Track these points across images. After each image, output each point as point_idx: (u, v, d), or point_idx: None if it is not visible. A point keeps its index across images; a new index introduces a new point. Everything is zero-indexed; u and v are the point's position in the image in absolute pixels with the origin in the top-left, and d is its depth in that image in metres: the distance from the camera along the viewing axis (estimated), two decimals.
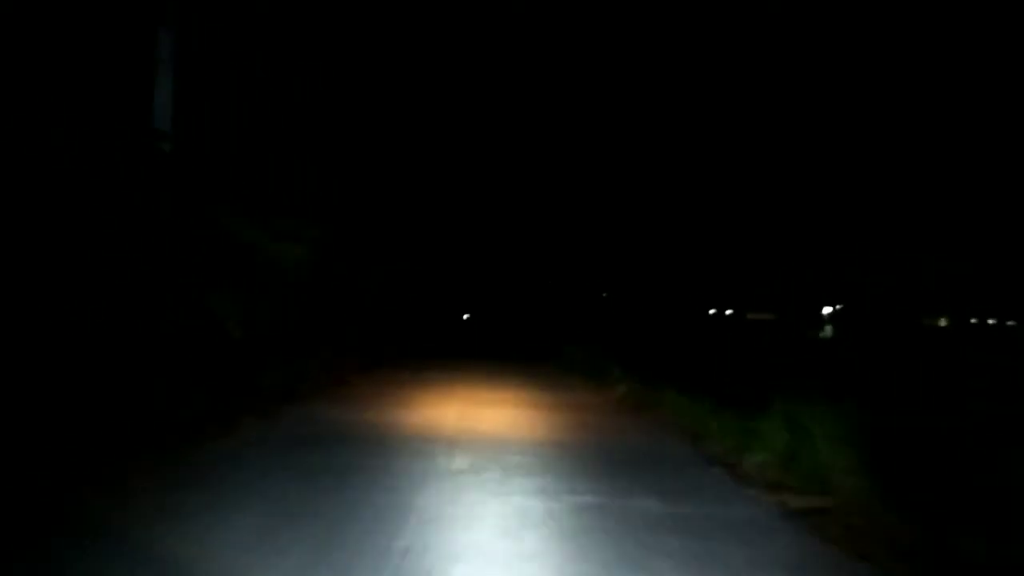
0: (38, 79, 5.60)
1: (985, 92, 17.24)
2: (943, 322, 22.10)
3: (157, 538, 3.35)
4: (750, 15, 18.58)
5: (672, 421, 7.41)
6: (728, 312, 24.53)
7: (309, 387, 8.47)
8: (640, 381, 9.69)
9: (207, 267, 6.63)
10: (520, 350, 18.17)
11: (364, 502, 4.07)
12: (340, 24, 13.20)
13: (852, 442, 4.78)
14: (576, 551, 3.45)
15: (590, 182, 23.46)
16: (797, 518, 4.17)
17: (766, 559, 3.49)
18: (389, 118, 16.50)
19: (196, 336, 6.34)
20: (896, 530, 3.93)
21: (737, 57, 19.50)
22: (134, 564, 3.04)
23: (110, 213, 5.81)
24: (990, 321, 20.91)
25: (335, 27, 13.01)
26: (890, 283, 19.94)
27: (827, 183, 20.03)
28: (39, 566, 3.03)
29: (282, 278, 7.75)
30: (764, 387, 7.95)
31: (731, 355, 13.97)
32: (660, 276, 23.52)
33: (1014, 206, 17.45)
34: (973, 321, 20.79)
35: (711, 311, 24.48)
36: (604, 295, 25.61)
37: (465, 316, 26.14)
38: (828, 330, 22.23)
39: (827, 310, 22.78)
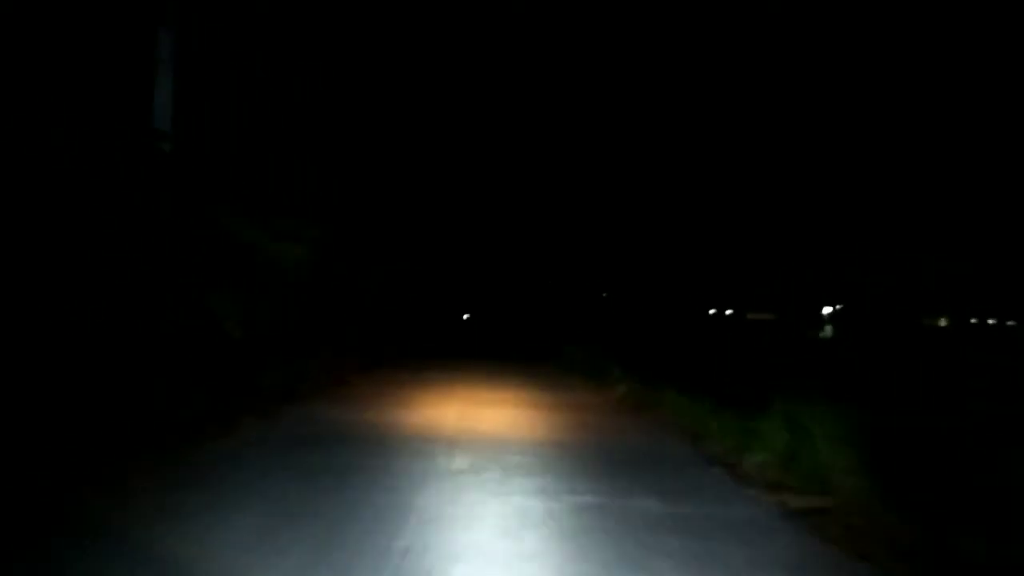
0: (38, 79, 5.59)
1: (985, 92, 17.23)
2: (943, 322, 22.11)
3: (157, 538, 3.35)
4: (750, 15, 18.57)
5: (672, 421, 7.41)
6: (728, 312, 24.52)
7: (309, 387, 8.47)
8: (640, 381, 9.69)
9: (207, 267, 6.62)
10: (520, 350, 18.18)
11: (364, 502, 4.07)
12: (340, 24, 13.20)
13: (852, 442, 4.78)
14: (576, 551, 3.45)
15: (590, 182, 23.46)
16: (797, 518, 4.17)
17: (766, 559, 3.49)
18: (389, 118, 16.49)
19: (196, 336, 6.34)
20: (896, 530, 3.93)
21: (737, 57, 19.49)
22: (134, 564, 3.05)
23: (110, 213, 5.80)
24: (990, 321, 20.91)
25: (335, 27, 13.00)
26: (890, 283, 19.94)
27: (827, 183, 20.01)
28: (39, 566, 3.03)
29: (282, 278, 7.75)
30: (764, 387, 7.95)
31: (731, 355, 13.97)
32: (660, 276, 23.51)
33: (1014, 206, 17.44)
34: (973, 321, 20.79)
35: (711, 311, 24.47)
36: (604, 295, 25.61)
37: (465, 316, 26.13)
38: (828, 330, 22.23)
39: (827, 310, 22.77)
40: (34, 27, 5.69)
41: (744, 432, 5.81)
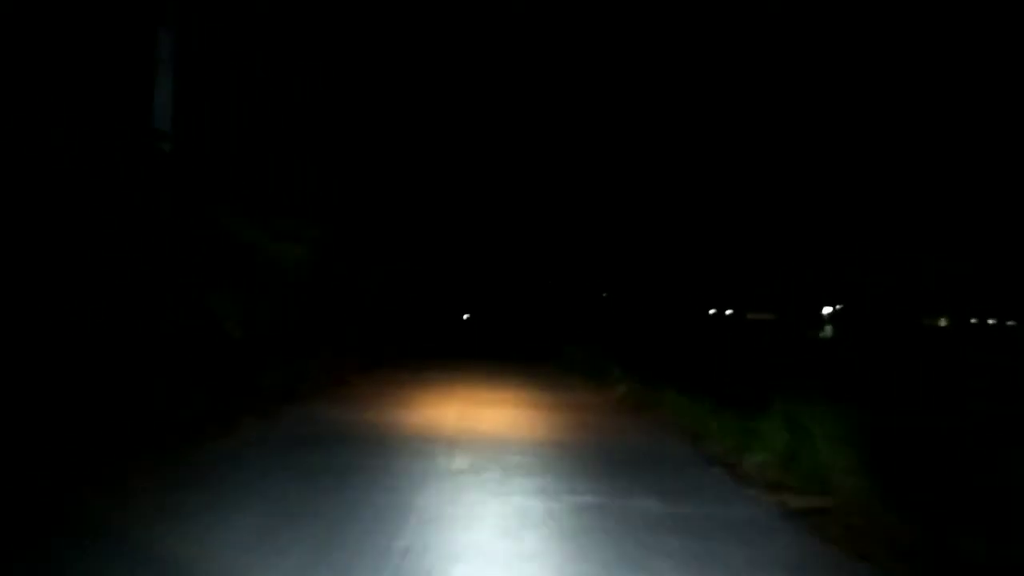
0: (38, 79, 5.59)
1: (985, 92, 17.23)
2: (943, 322, 22.10)
3: (157, 538, 3.35)
4: (750, 15, 18.57)
5: (672, 421, 7.40)
6: (728, 312, 24.52)
7: (309, 387, 8.46)
8: (640, 381, 9.68)
9: (207, 267, 6.62)
10: (520, 350, 18.17)
11: (364, 502, 4.06)
12: (340, 24, 13.19)
13: (852, 442, 4.78)
14: (576, 551, 3.44)
15: (590, 182, 23.45)
16: (797, 518, 4.17)
17: (766, 559, 3.49)
18: (389, 118, 16.48)
19: (196, 336, 6.33)
20: (896, 530, 3.93)
21: (737, 57, 19.49)
22: (134, 564, 3.04)
23: (110, 213, 5.80)
24: (990, 321, 20.90)
25: (335, 27, 12.99)
26: (890, 283, 19.93)
27: (827, 183, 20.01)
28: (39, 566, 3.02)
29: (282, 278, 7.74)
30: (763, 387, 7.95)
31: (731, 355, 13.97)
32: (660, 276, 23.51)
33: (1014, 206, 17.44)
34: (973, 321, 20.78)
35: (711, 311, 24.46)
36: (604, 295, 25.60)
37: (465, 316, 26.11)
38: (828, 330, 22.22)
39: (827, 310, 22.77)
40: (34, 27, 5.68)
41: (744, 432, 5.81)
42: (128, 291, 5.84)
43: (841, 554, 3.65)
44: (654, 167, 22.39)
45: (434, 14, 17.31)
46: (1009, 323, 20.08)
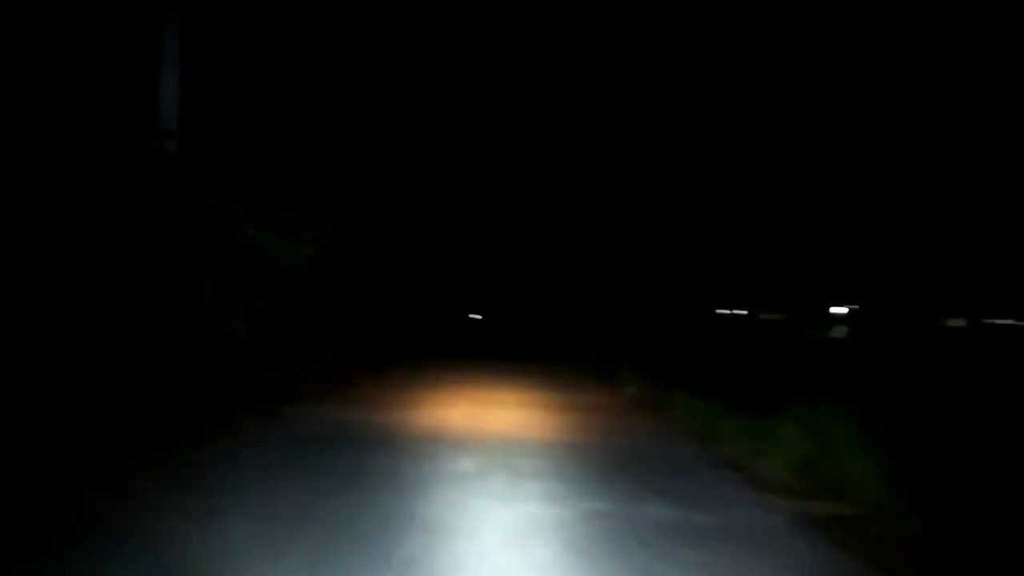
0: (40, 79, 5.53)
1: (985, 92, 17.03)
2: (959, 323, 21.80)
3: (156, 540, 3.28)
4: (752, 16, 18.41)
5: (684, 423, 7.23)
6: (742, 313, 24.30)
7: (309, 387, 8.36)
8: (650, 382, 9.52)
9: (208, 266, 6.53)
10: (527, 350, 18.02)
11: (365, 506, 3.92)
12: (340, 24, 13.12)
13: (874, 446, 4.59)
14: (586, 563, 3.28)
15: (598, 183, 23.31)
16: (818, 527, 3.98)
17: (788, 571, 3.32)
18: (389, 118, 16.39)
19: (196, 336, 6.24)
20: (923, 540, 3.74)
21: (742, 60, 19.36)
22: (134, 564, 2.99)
23: (110, 213, 5.73)
24: (1007, 322, 20.59)
25: (335, 27, 12.93)
26: (904, 284, 19.73)
27: (841, 184, 19.85)
28: (39, 566, 2.98)
29: (283, 278, 7.66)
30: (777, 389, 7.77)
31: (742, 356, 13.77)
32: (670, 276, 23.34)
33: (1014, 206, 17.25)
34: (995, 322, 20.49)
35: (720, 311, 24.25)
36: (613, 295, 25.44)
37: (472, 316, 25.99)
38: (842, 331, 21.96)
39: (842, 310, 22.52)
40: (37, 26, 5.62)
41: (759, 435, 5.63)
42: (128, 291, 5.76)
43: (865, 565, 3.47)
44: (663, 168, 22.24)
45: (434, 14, 17.23)
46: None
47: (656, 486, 4.65)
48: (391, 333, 14.35)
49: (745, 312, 24.04)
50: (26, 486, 3.90)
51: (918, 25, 17.24)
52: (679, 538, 3.65)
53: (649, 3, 19.45)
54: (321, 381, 8.78)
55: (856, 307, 22.31)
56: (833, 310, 22.29)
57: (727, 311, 24.15)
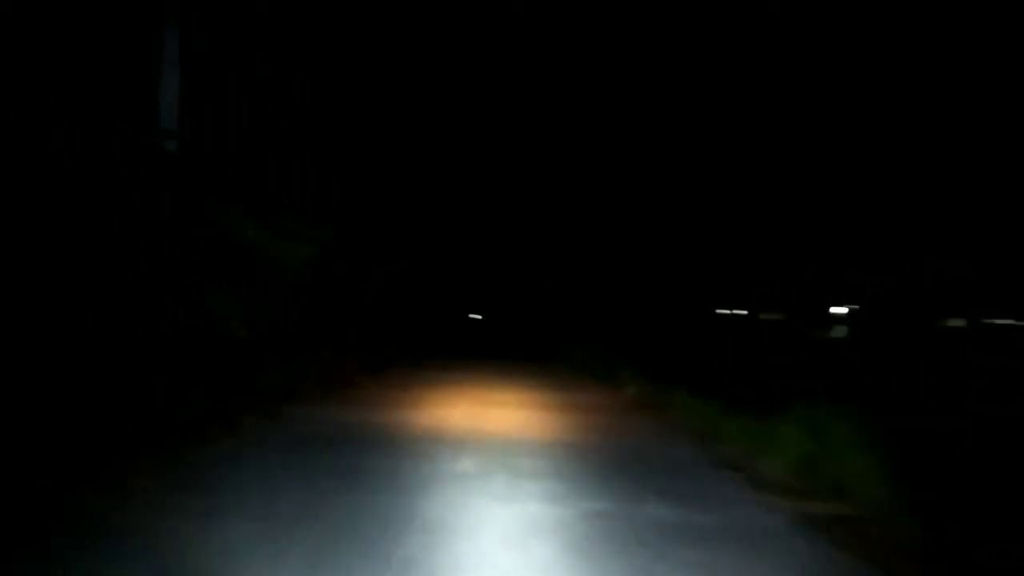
0: (40, 79, 5.52)
1: (985, 92, 17.04)
2: (959, 323, 21.78)
3: (156, 539, 3.29)
4: (753, 18, 18.42)
5: (684, 423, 7.22)
6: (742, 313, 24.29)
7: (309, 387, 8.35)
8: (651, 382, 9.51)
9: (208, 266, 6.52)
10: (527, 350, 18.00)
11: (365, 506, 3.92)
12: (340, 24, 13.11)
13: (874, 446, 4.58)
14: (587, 563, 3.27)
15: (597, 183, 23.30)
16: (818, 527, 3.98)
17: (788, 571, 3.31)
18: (389, 118, 16.39)
19: (196, 336, 6.23)
20: (925, 540, 3.73)
21: (743, 61, 19.36)
22: (134, 564, 2.99)
23: (110, 213, 5.72)
24: (1008, 322, 20.58)
25: (335, 27, 12.92)
26: (904, 284, 19.73)
27: (841, 184, 19.85)
28: (39, 566, 2.98)
29: (283, 278, 7.65)
30: (777, 388, 7.76)
31: (742, 356, 13.76)
32: (670, 276, 23.33)
33: (1014, 206, 17.26)
34: (991, 322, 20.48)
35: (720, 311, 24.24)
36: (613, 295, 25.42)
37: (471, 316, 25.96)
38: (842, 331, 21.96)
39: (842, 310, 22.51)
40: (37, 26, 5.62)
41: (758, 435, 5.63)
42: (128, 291, 5.75)
43: (866, 565, 3.47)
44: (662, 168, 22.23)
45: (434, 14, 17.22)
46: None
47: (656, 486, 4.64)
48: (391, 333, 14.34)
49: (745, 312, 24.04)
50: (26, 486, 3.89)
51: (918, 25, 17.26)
52: (679, 538, 3.64)
53: (649, 3, 19.45)
54: (321, 381, 8.77)
55: (856, 307, 22.31)
56: (833, 310, 22.28)
57: (727, 311, 24.15)
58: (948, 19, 16.88)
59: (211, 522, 3.53)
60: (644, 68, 20.74)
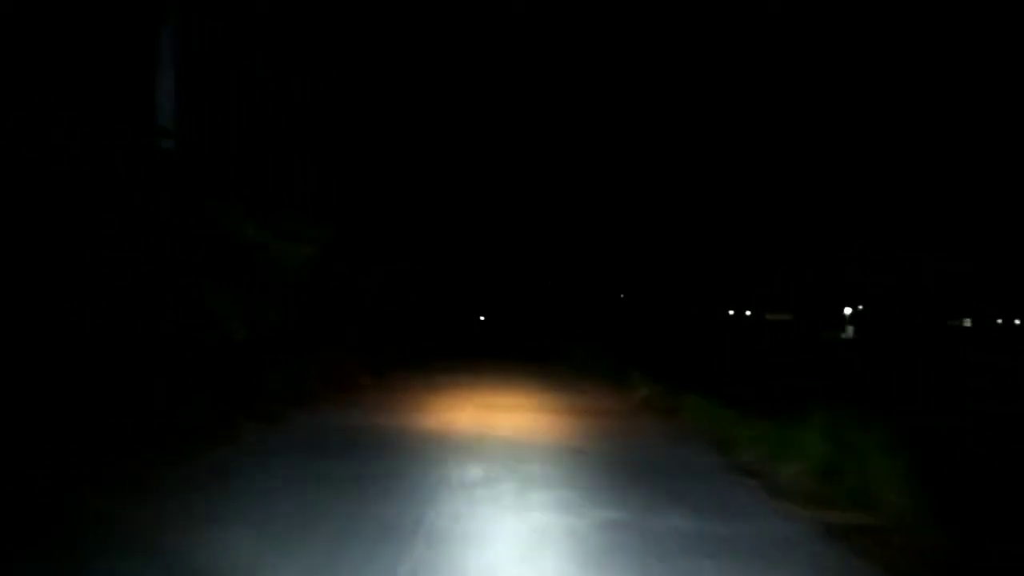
0: (40, 78, 5.43)
1: (985, 92, 16.90)
2: (965, 323, 21.62)
3: (152, 547, 3.22)
4: (755, 23, 18.30)
5: (696, 427, 7.05)
6: (747, 313, 24.15)
7: (311, 388, 8.23)
8: (661, 384, 9.35)
9: (208, 267, 6.42)
10: (535, 352, 17.83)
11: (369, 515, 3.77)
12: (340, 24, 13.02)
13: (895, 451, 4.42)
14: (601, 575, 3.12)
15: (605, 184, 23.17)
16: (840, 537, 3.81)
17: None
18: (389, 118, 16.28)
19: (197, 337, 6.12)
20: (951, 551, 3.57)
21: (747, 66, 19.25)
22: (134, 565, 2.96)
23: (110, 213, 5.62)
24: (1016, 322, 20.40)
25: (335, 27, 12.83)
26: (905, 284, 19.59)
27: (842, 185, 19.72)
28: (39, 566, 2.96)
29: (283, 278, 7.55)
30: (790, 390, 7.59)
31: (752, 357, 13.59)
32: (678, 277, 23.18)
33: (1014, 206, 17.11)
34: (999, 322, 20.31)
35: (730, 312, 24.10)
36: (622, 296, 25.27)
37: (482, 317, 25.81)
38: (849, 331, 21.79)
39: (846, 311, 22.33)
40: (36, 26, 5.53)
41: (774, 439, 5.46)
42: (128, 291, 5.65)
43: None
44: (671, 170, 22.09)
45: (434, 14, 17.11)
46: None
47: (672, 494, 4.48)
48: (392, 334, 14.21)
49: (751, 312, 23.89)
50: (23, 493, 3.80)
51: (918, 26, 17.13)
52: (697, 549, 3.49)
53: (653, 9, 19.33)
54: (322, 382, 8.65)
55: (860, 308, 22.16)
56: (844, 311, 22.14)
57: (734, 312, 24.00)
58: (948, 19, 16.75)
59: (209, 531, 3.42)
60: (650, 72, 20.63)
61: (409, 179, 18.33)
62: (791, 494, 4.56)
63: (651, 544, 3.53)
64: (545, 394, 9.94)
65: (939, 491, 4.08)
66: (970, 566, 3.47)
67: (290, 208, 9.24)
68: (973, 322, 20.94)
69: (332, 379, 9.06)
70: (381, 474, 4.69)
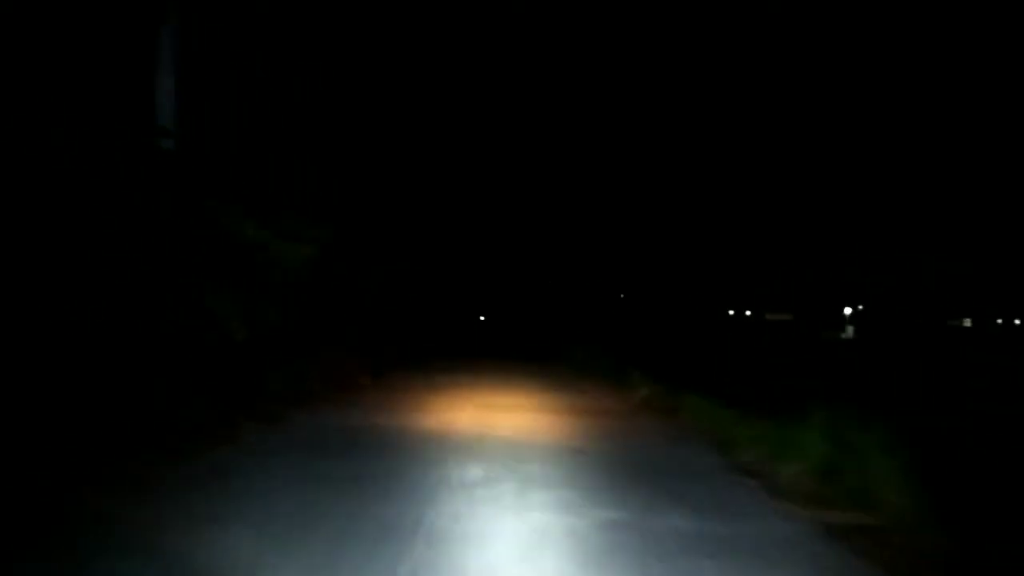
0: (40, 78, 5.43)
1: (985, 92, 16.92)
2: (967, 323, 21.61)
3: (152, 546, 3.22)
4: (755, 23, 18.31)
5: (697, 427, 7.05)
6: (747, 313, 24.15)
7: (310, 388, 8.23)
8: (661, 384, 9.35)
9: (208, 267, 6.41)
10: (535, 352, 17.84)
11: (368, 515, 3.77)
12: (340, 24, 13.02)
13: (896, 450, 4.42)
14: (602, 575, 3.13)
15: (605, 184, 23.17)
16: (841, 537, 3.81)
17: None
18: (389, 118, 16.28)
19: (197, 337, 6.12)
20: (953, 552, 3.57)
21: (747, 66, 19.26)
22: (134, 564, 2.97)
23: (110, 213, 5.62)
24: (1016, 322, 20.39)
25: (335, 27, 12.83)
26: (905, 284, 19.59)
27: (842, 185, 19.72)
28: (39, 566, 2.97)
29: (283, 278, 7.55)
30: (790, 390, 7.59)
31: (752, 357, 13.59)
32: (678, 277, 23.18)
33: (1014, 206, 17.13)
34: (999, 322, 20.30)
35: (730, 312, 24.11)
36: (622, 296, 25.26)
37: (482, 317, 25.81)
38: (849, 331, 21.79)
39: (846, 311, 22.33)
40: (36, 26, 5.53)
41: (774, 439, 5.46)
42: (128, 291, 5.65)
43: None
44: (670, 169, 22.10)
45: (434, 14, 17.11)
46: None
47: (672, 494, 4.48)
48: (392, 333, 14.22)
49: (751, 312, 23.89)
50: (23, 493, 3.80)
51: (918, 26, 17.14)
52: (697, 549, 3.49)
53: (653, 9, 19.33)
54: (322, 382, 8.65)
55: (860, 308, 22.15)
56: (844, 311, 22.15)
57: (734, 312, 24.01)
58: (948, 19, 16.77)
59: (209, 530, 3.42)
60: (650, 72, 20.63)
61: (409, 179, 18.33)
62: (791, 494, 4.56)
63: (651, 544, 3.53)
64: (545, 394, 9.94)
65: (939, 491, 4.08)
66: (970, 566, 3.47)
67: (290, 208, 9.24)
68: (973, 322, 20.95)
69: (332, 379, 9.06)
70: (381, 474, 4.69)
